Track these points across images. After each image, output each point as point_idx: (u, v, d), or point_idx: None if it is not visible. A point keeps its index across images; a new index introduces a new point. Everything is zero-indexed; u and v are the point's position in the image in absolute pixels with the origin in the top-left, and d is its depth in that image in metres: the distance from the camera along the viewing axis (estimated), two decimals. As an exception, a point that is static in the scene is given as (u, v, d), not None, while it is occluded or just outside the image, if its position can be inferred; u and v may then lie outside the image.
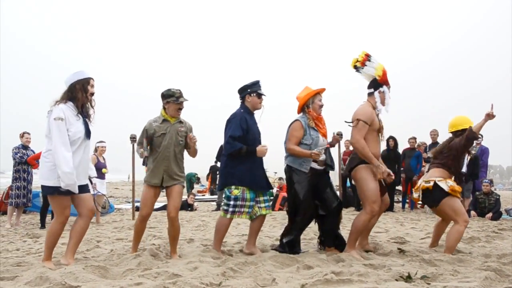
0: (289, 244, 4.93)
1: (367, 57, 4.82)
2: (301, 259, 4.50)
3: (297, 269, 4.10)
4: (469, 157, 10.72)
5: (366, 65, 4.83)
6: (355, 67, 4.90)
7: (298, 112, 5.07)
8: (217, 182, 5.28)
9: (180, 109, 4.76)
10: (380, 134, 4.90)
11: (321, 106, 5.01)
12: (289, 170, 4.98)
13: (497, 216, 9.64)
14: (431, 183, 4.88)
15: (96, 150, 9.19)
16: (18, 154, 8.69)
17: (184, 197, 14.48)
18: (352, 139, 4.69)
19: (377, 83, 4.81)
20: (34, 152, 8.79)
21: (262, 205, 5.00)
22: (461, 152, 5.03)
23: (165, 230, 7.42)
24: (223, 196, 4.98)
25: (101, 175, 9.01)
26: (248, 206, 4.84)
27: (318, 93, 5.00)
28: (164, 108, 4.78)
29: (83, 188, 4.39)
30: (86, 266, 3.96)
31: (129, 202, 13.48)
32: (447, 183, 4.83)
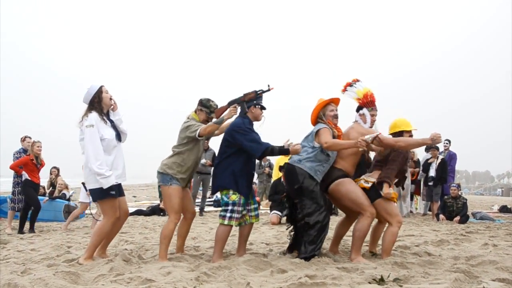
0: (317, 251, 4.74)
1: (353, 82, 5.15)
2: (274, 263, 4.50)
3: (271, 273, 4.10)
4: (437, 162, 11.02)
5: (347, 90, 5.16)
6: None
7: (313, 125, 5.00)
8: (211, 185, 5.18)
9: (208, 121, 4.98)
10: (363, 157, 5.11)
11: (334, 116, 4.93)
12: (296, 173, 4.77)
13: (464, 219, 9.89)
14: (370, 184, 4.89)
15: None
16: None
17: (156, 202, 14.36)
18: (324, 144, 4.70)
19: (359, 106, 5.10)
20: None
21: (253, 213, 4.97)
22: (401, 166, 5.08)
23: (137, 235, 7.32)
24: (222, 202, 4.83)
25: None
26: (241, 212, 4.77)
27: (329, 103, 4.96)
28: (195, 111, 5.01)
29: (120, 191, 4.80)
30: (56, 272, 3.87)
31: (99, 207, 13.26)
32: (384, 190, 4.86)
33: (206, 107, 4.98)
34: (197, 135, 4.74)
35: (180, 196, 4.84)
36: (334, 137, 4.81)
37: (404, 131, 5.02)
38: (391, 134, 5.11)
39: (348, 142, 4.68)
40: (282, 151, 4.64)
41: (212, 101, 5.00)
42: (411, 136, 5.04)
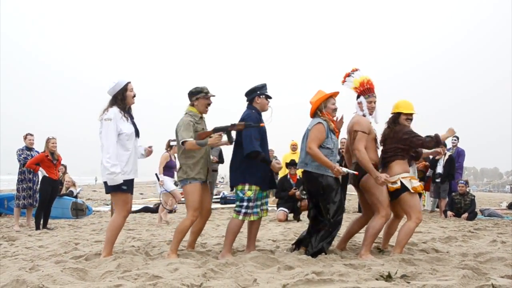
0: (327, 246, 4.82)
1: (352, 72, 5.17)
2: (281, 259, 4.50)
3: (278, 270, 4.10)
4: (445, 159, 10.95)
5: (346, 81, 5.20)
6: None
7: (311, 116, 5.02)
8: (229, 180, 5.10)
9: (209, 104, 4.98)
10: (376, 141, 5.05)
11: (335, 109, 4.97)
12: (313, 177, 4.81)
13: (472, 216, 9.83)
14: (399, 183, 4.86)
15: (170, 148, 8.95)
16: (22, 156, 8.67)
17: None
18: (355, 151, 4.77)
19: (357, 95, 5.11)
20: (39, 153, 8.64)
21: (264, 207, 4.97)
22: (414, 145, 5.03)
23: (144, 232, 7.34)
24: (236, 197, 4.87)
25: (169, 173, 8.96)
26: (258, 206, 4.82)
27: (331, 96, 4.98)
28: (192, 105, 4.97)
29: (130, 187, 4.79)
30: (64, 269, 3.89)
31: (107, 205, 13.31)
32: (412, 183, 4.87)
33: (199, 93, 4.92)
34: (180, 143, 4.77)
35: (200, 193, 4.84)
36: (331, 130, 4.85)
37: (401, 113, 5.04)
38: (392, 113, 5.14)
39: (325, 161, 4.64)
40: (265, 161, 4.68)
41: (198, 86, 4.99)
42: (410, 119, 5.03)
